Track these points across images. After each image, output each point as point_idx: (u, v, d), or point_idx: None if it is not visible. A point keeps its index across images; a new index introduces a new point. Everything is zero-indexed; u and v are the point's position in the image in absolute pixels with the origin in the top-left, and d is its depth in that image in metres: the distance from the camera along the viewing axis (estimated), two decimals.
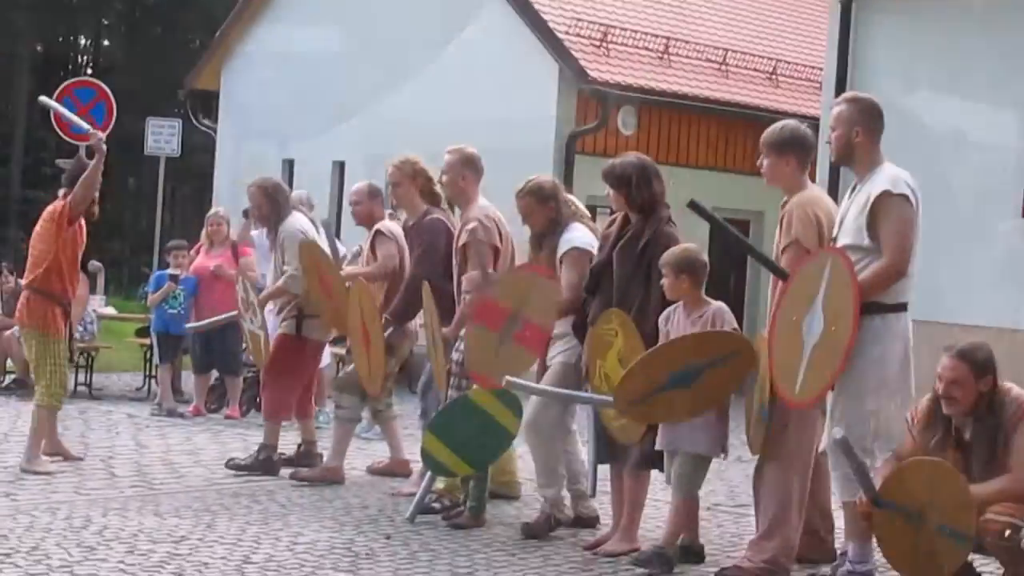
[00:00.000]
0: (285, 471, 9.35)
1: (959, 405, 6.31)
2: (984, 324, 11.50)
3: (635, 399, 6.74)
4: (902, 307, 6.37)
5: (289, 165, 19.70)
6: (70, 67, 40.59)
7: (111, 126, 16.78)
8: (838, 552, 6.91)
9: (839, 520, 6.98)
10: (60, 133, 17.28)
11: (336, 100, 18.91)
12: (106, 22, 42.11)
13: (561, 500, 7.79)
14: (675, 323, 7.03)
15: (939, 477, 6.09)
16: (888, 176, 6.37)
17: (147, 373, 14.29)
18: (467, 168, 8.45)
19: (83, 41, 43.27)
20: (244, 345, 11.29)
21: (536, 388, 7.55)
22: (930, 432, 6.38)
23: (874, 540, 6.37)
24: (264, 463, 9.41)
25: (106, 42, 43.18)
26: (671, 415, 6.88)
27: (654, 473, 7.37)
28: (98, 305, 15.06)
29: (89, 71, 39.19)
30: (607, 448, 7.48)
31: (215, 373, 12.85)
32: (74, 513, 7.77)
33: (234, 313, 10.25)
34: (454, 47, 17.64)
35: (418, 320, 9.09)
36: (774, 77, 18.77)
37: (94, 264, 15.73)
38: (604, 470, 7.72)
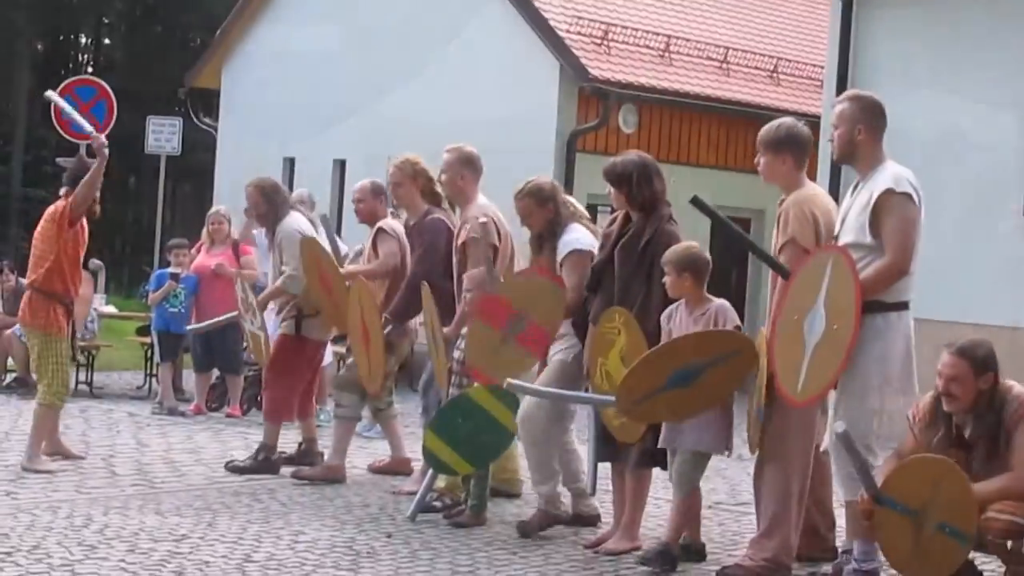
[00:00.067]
0: (286, 469, 9.34)
1: (959, 402, 6.29)
2: (984, 322, 11.49)
3: (638, 398, 6.74)
4: (904, 305, 6.37)
5: (290, 164, 19.69)
6: (71, 65, 40.51)
7: (112, 124, 16.79)
8: (839, 550, 6.91)
9: (839, 518, 6.99)
10: (60, 131, 17.28)
11: (337, 98, 18.89)
12: (107, 20, 42.04)
13: (557, 496, 7.77)
14: (678, 321, 7.02)
15: (941, 475, 6.07)
16: (891, 174, 6.37)
17: (148, 372, 14.28)
18: (466, 167, 8.44)
19: (84, 39, 43.21)
20: (245, 344, 11.30)
21: (537, 390, 7.52)
22: (932, 430, 6.36)
23: None
24: (263, 464, 9.41)
25: (107, 40, 43.13)
26: (671, 415, 6.87)
27: (655, 471, 7.37)
28: (99, 304, 15.04)
29: (90, 69, 39.11)
30: (608, 446, 7.46)
31: (216, 372, 12.86)
32: (75, 512, 7.77)
33: (234, 313, 10.26)
34: (455, 45, 17.64)
35: (418, 318, 9.08)
36: (775, 75, 18.75)
37: (95, 263, 15.72)
38: (605, 468, 7.70)
